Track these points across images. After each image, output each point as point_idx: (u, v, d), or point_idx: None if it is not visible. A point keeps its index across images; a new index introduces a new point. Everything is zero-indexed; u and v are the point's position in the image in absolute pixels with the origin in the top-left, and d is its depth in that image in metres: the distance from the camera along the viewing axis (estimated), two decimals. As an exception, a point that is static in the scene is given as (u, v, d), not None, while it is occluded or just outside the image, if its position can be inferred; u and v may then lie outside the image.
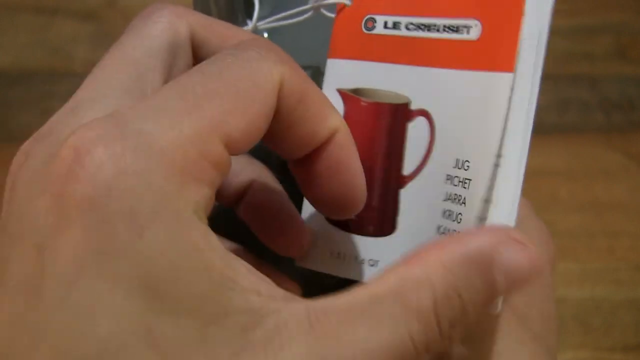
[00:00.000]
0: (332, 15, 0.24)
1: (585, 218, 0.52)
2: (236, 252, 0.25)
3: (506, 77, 0.21)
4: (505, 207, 0.21)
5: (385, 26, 0.23)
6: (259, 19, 0.26)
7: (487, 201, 0.21)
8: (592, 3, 0.63)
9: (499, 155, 0.21)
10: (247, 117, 0.17)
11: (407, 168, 0.23)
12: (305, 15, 0.25)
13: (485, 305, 0.17)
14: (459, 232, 0.20)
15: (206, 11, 0.28)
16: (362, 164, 0.21)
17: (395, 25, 0.23)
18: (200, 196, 0.16)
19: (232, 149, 0.17)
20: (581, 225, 0.52)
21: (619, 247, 0.51)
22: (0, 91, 0.59)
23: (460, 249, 0.17)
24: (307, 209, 0.24)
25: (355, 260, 0.23)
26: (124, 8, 0.64)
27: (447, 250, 0.17)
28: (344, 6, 0.24)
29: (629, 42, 0.61)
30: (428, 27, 0.22)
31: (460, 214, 0.21)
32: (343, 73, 0.24)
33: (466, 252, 0.17)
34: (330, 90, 0.23)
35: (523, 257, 0.18)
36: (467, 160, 0.22)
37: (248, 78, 0.17)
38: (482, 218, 0.21)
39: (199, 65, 0.18)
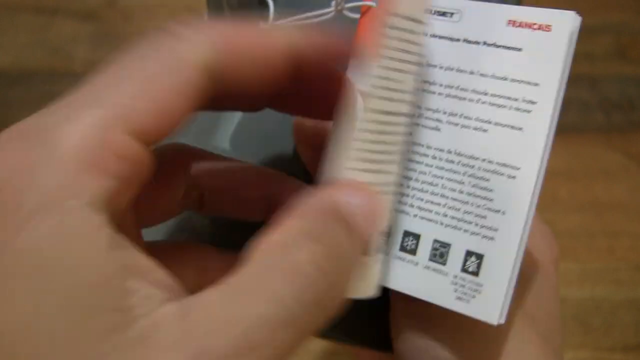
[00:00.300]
0: (356, 16, 0.24)
1: (585, 218, 0.52)
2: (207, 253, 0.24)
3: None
4: (518, 216, 0.21)
5: None
6: (277, 20, 0.26)
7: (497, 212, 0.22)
8: (592, 3, 0.63)
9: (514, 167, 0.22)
10: (159, 101, 0.16)
11: None
12: (327, 17, 0.25)
13: (353, 246, 0.18)
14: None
15: (219, 13, 0.27)
16: None
17: None
18: (99, 187, 0.16)
19: (147, 136, 0.16)
20: (581, 225, 0.52)
21: (619, 247, 0.51)
22: (0, 91, 0.59)
23: (310, 205, 0.18)
24: None
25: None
26: (124, 8, 0.64)
27: (297, 212, 0.17)
28: (369, 7, 0.24)
29: (629, 42, 0.62)
30: None
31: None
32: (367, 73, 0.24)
33: (314, 206, 0.18)
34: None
35: (360, 195, 0.19)
36: None
37: (163, 60, 0.17)
38: (493, 228, 0.22)
39: (119, 53, 0.18)
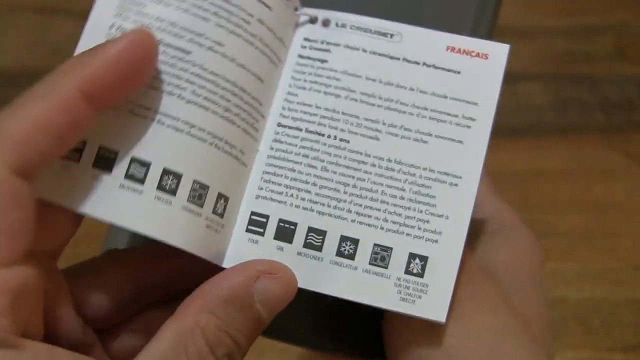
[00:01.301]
0: None
1: (585, 218, 0.52)
2: None
3: None
4: (461, 221, 0.23)
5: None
6: None
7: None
8: (592, 3, 0.63)
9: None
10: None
11: None
12: None
13: (256, 331, 0.21)
14: (217, 275, 0.22)
15: None
16: None
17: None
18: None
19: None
20: (581, 225, 0.52)
21: (619, 247, 0.51)
22: (0, 91, 0.59)
23: (219, 292, 0.20)
24: None
25: None
26: (124, 8, 0.64)
27: (208, 296, 0.20)
28: None
29: (629, 42, 0.61)
30: None
31: None
32: None
33: (223, 295, 0.20)
34: None
35: (275, 285, 0.21)
36: None
37: None
38: (436, 232, 0.23)
39: None
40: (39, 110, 0.18)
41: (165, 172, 0.21)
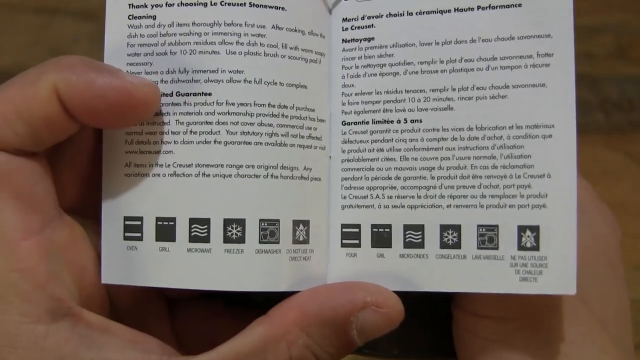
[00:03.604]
0: None
1: (586, 218, 0.52)
2: None
3: None
4: (567, 175, 0.20)
5: None
6: None
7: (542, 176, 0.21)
8: (592, 3, 0.63)
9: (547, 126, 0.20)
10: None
11: None
12: None
13: (344, 353, 0.20)
14: (321, 286, 0.21)
15: None
16: None
17: None
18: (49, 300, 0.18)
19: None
20: (581, 225, 0.52)
21: (619, 247, 0.51)
22: None
23: (319, 311, 0.19)
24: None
25: None
26: (123, 8, 0.64)
27: (307, 310, 0.19)
28: None
29: (629, 42, 0.61)
30: None
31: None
32: None
33: (323, 316, 0.19)
34: None
35: (378, 318, 0.20)
36: None
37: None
38: (541, 195, 0.20)
39: None
40: (17, 94, 0.19)
41: (227, 222, 0.20)
